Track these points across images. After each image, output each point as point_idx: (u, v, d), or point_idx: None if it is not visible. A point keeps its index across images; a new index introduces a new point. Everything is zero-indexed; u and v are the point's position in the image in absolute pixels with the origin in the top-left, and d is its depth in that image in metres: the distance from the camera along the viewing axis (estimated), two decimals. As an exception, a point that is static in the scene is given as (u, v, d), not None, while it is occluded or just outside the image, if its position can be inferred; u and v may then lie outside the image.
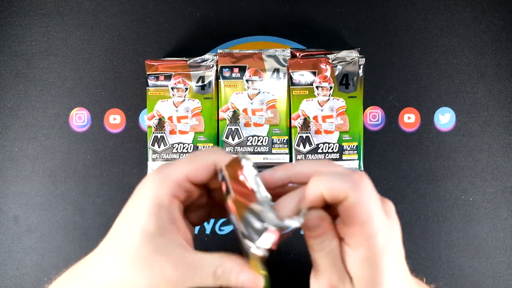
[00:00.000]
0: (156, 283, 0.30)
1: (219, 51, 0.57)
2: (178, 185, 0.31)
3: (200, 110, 0.56)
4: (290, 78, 0.56)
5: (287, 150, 0.56)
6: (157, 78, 0.56)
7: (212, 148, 0.33)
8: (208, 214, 0.36)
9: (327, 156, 0.55)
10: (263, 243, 0.29)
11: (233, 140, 0.56)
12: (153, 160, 0.56)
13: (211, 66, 0.57)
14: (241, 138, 0.56)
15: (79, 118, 0.59)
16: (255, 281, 0.31)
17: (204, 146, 0.56)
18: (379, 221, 0.29)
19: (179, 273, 0.30)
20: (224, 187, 0.31)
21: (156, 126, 0.56)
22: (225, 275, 0.30)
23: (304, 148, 0.55)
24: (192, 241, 0.33)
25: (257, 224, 0.29)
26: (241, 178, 0.31)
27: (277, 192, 0.32)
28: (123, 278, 0.30)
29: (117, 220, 0.32)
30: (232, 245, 0.57)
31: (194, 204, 0.34)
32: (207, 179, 0.33)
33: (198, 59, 0.57)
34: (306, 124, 0.56)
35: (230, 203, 0.30)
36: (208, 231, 0.58)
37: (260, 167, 0.55)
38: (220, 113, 0.56)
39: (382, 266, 0.29)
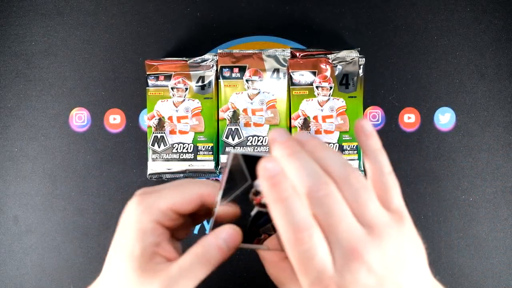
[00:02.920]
0: None
1: (219, 51, 0.57)
2: (161, 214, 0.33)
3: (200, 110, 0.56)
4: (290, 78, 0.56)
5: (287, 150, 0.56)
6: (157, 78, 0.56)
7: (198, 180, 0.35)
8: (191, 227, 0.38)
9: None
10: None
11: (233, 140, 0.56)
12: (153, 160, 0.56)
13: (211, 66, 0.57)
14: (241, 138, 0.56)
15: (79, 118, 0.59)
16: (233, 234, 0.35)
17: (204, 146, 0.56)
18: None
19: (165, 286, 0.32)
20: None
21: (156, 126, 0.56)
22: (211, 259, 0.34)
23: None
24: (179, 255, 0.35)
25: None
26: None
27: None
28: None
29: (110, 248, 0.34)
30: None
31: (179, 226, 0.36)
32: (191, 211, 0.34)
33: (198, 59, 0.57)
34: (306, 124, 0.56)
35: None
36: (208, 231, 0.58)
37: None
38: (220, 113, 0.56)
39: None
